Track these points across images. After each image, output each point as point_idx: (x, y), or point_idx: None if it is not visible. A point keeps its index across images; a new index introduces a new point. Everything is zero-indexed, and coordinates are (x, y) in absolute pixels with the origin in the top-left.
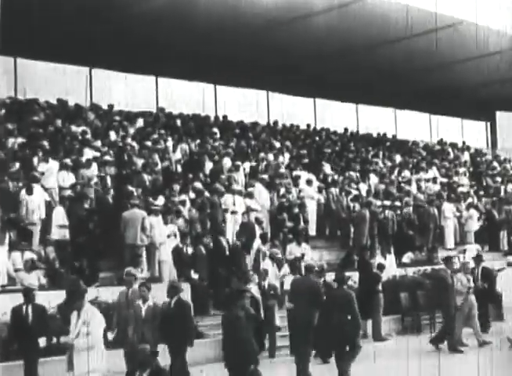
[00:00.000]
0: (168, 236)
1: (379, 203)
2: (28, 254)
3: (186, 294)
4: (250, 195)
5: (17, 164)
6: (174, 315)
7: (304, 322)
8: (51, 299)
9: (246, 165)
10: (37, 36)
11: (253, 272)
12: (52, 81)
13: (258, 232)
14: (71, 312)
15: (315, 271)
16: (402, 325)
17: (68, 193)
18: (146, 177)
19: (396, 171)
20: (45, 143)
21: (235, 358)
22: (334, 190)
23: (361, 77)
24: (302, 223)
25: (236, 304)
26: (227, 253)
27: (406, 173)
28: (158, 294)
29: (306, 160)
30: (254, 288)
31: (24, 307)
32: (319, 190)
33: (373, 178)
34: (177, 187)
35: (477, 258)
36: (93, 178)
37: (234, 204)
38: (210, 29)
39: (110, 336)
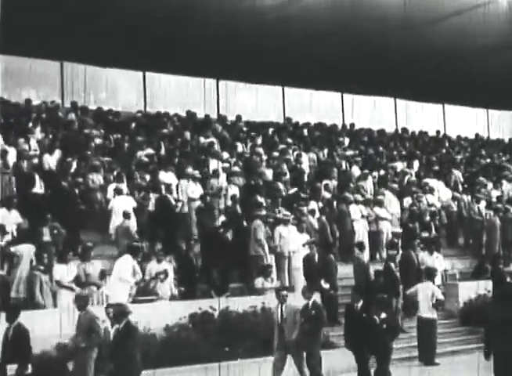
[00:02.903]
0: (303, 245)
1: None
2: (164, 265)
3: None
4: (379, 203)
5: (147, 176)
6: (120, 341)
7: None
8: (181, 310)
9: (375, 173)
10: (165, 50)
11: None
12: (180, 94)
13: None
14: None
15: None
16: None
17: (197, 203)
18: (276, 187)
19: None
20: (173, 155)
21: None
22: (466, 198)
23: (491, 80)
24: (434, 231)
25: None
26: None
27: None
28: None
29: (436, 168)
30: None
31: None
32: (453, 198)
33: (506, 185)
34: (306, 197)
35: None
36: (222, 189)
37: (362, 213)
38: (340, 38)
39: None
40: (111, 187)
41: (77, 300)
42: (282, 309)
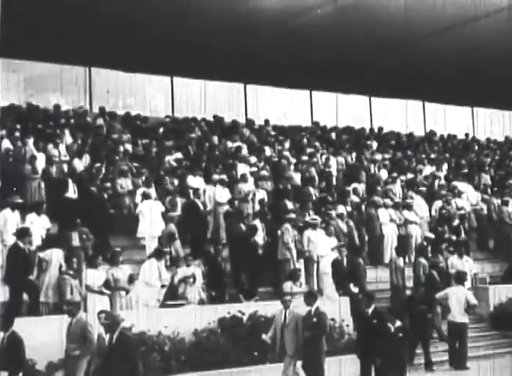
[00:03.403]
0: (332, 250)
1: None
2: (192, 269)
3: (346, 307)
4: (408, 207)
5: (175, 181)
6: (115, 352)
7: None
8: (209, 314)
9: (404, 177)
10: (192, 55)
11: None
12: (208, 99)
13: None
14: None
15: None
16: None
17: (226, 208)
18: (306, 191)
19: None
20: (201, 160)
21: None
22: (495, 200)
23: None
24: (463, 235)
25: None
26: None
27: None
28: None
29: (465, 171)
30: None
31: None
32: (483, 201)
33: None
34: (334, 200)
35: None
36: (250, 193)
37: (391, 217)
38: (368, 41)
39: None
40: (139, 192)
41: (68, 306)
42: (285, 315)
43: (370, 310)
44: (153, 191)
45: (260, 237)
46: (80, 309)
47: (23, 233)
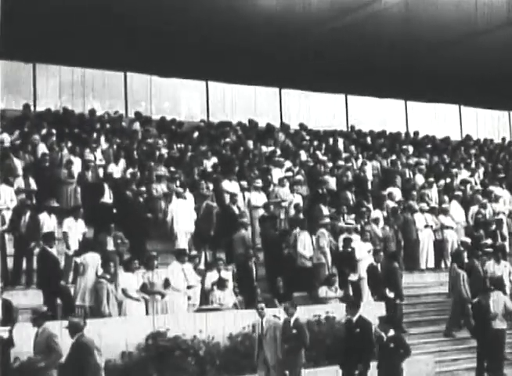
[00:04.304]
0: (368, 252)
1: None
2: (223, 274)
3: (380, 312)
4: (444, 212)
5: (210, 185)
6: (73, 359)
7: None
8: (244, 318)
9: (440, 182)
10: (227, 59)
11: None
12: (243, 103)
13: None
14: None
15: None
16: None
17: (261, 212)
18: (344, 196)
19: None
20: (235, 164)
21: None
22: None
23: None
24: (500, 240)
25: None
26: None
27: None
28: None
29: (502, 175)
30: None
31: None
32: None
33: None
34: (370, 205)
35: None
36: (286, 197)
37: (427, 222)
38: (403, 47)
39: None
40: (175, 196)
41: (33, 315)
42: (262, 324)
43: (355, 318)
44: (188, 196)
45: (308, 247)
46: (46, 319)
47: (49, 238)
